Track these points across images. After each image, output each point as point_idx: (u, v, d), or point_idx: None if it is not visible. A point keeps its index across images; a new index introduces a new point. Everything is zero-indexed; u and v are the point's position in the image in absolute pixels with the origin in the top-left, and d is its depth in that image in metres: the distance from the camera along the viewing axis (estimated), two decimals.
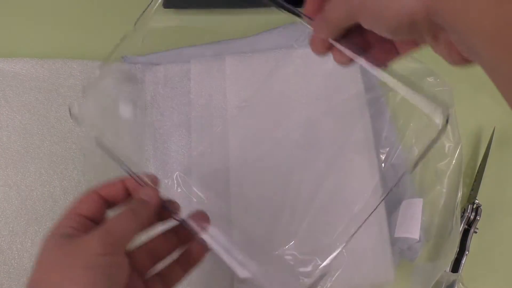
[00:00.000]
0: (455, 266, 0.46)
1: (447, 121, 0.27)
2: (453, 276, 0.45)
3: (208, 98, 0.49)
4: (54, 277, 0.26)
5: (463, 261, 0.46)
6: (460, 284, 0.44)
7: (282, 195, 0.46)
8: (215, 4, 0.56)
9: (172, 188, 0.47)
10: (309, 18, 0.30)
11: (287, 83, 0.50)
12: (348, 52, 0.30)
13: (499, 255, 0.48)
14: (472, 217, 0.47)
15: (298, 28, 0.52)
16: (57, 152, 0.47)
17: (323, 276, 0.36)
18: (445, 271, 0.45)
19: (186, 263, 0.35)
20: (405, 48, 0.30)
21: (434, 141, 0.27)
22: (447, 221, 0.46)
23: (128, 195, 0.33)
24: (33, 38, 0.53)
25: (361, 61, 0.30)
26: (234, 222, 0.45)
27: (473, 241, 0.47)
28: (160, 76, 0.51)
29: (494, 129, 0.50)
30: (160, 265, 0.34)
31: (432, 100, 0.29)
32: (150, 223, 0.32)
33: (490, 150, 0.48)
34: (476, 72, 0.56)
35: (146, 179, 0.33)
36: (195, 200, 0.46)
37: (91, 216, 0.31)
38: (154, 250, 0.33)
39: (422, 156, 0.28)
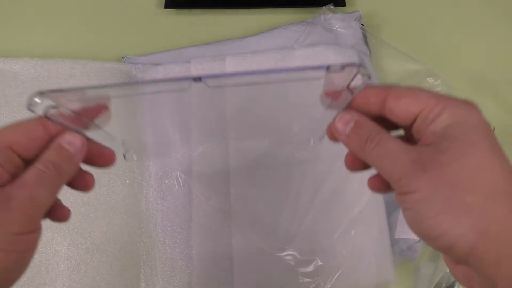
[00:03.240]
0: None
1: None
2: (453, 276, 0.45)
3: (208, 99, 0.50)
4: None
5: None
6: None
7: (283, 196, 0.46)
8: (215, 5, 0.56)
9: (173, 188, 0.47)
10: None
11: (287, 84, 0.50)
12: None
13: None
14: None
15: (298, 29, 0.52)
16: None
17: None
18: (445, 271, 0.45)
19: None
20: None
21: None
22: None
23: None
24: (34, 38, 0.54)
25: None
26: (234, 222, 0.45)
27: None
28: (160, 77, 0.51)
29: (494, 129, 0.49)
30: None
31: None
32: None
33: None
34: (477, 72, 0.57)
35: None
36: (195, 201, 0.46)
37: (24, 155, 0.24)
38: None
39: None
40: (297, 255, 0.44)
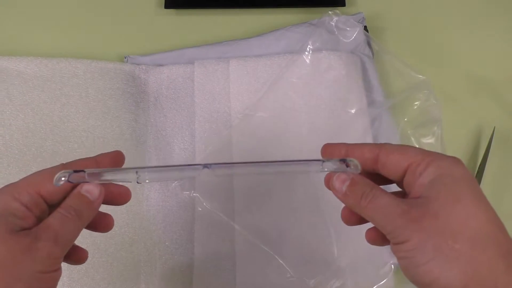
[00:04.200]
0: None
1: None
2: None
3: (211, 102, 0.50)
4: None
5: None
6: None
7: (286, 201, 0.46)
8: (216, 4, 0.56)
9: (175, 191, 0.47)
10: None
11: (291, 91, 0.50)
12: None
13: None
14: None
15: (301, 30, 0.53)
16: (60, 151, 0.47)
17: None
18: None
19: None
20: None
21: None
22: None
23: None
24: (38, 37, 0.54)
25: None
26: (237, 225, 0.45)
27: None
28: (163, 77, 0.51)
29: (494, 129, 0.50)
30: None
31: None
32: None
33: (490, 150, 0.49)
34: (477, 72, 0.57)
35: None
36: (200, 209, 0.46)
37: (50, 200, 0.27)
38: None
39: None
40: (299, 261, 0.44)
